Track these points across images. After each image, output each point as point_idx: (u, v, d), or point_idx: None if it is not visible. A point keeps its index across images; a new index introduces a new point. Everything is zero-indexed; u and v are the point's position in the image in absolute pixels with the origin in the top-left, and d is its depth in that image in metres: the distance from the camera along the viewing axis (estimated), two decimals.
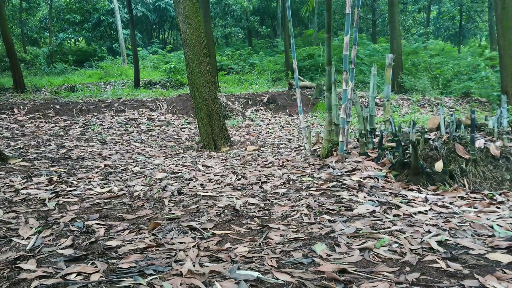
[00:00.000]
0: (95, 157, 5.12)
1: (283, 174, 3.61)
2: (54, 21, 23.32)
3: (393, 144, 3.73)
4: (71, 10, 22.30)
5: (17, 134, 7.13)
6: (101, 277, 1.64)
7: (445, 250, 1.89)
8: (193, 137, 7.06)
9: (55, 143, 6.28)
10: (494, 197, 2.88)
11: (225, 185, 3.33)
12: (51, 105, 9.19)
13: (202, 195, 3.04)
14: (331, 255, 1.86)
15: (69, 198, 3.02)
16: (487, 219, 2.37)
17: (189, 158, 4.90)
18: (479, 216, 2.43)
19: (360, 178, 3.24)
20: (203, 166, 4.22)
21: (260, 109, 10.43)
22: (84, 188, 3.33)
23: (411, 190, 3.07)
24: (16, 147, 5.82)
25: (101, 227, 2.32)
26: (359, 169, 3.48)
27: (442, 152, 3.36)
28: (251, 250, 1.95)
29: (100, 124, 8.24)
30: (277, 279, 1.62)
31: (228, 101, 10.29)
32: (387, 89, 4.20)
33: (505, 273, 1.67)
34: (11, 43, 12.46)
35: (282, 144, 6.01)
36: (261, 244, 2.02)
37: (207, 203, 2.82)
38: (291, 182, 3.32)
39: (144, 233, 2.23)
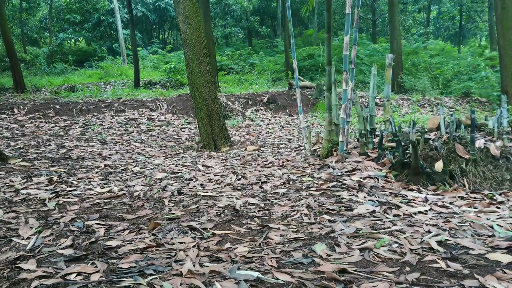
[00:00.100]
0: (95, 157, 5.12)
1: (283, 174, 3.61)
2: (54, 21, 23.32)
3: (393, 144, 3.73)
4: (71, 10, 22.30)
5: (17, 134, 7.13)
6: (101, 277, 1.64)
7: (445, 250, 1.89)
8: (193, 137, 7.06)
9: (55, 143, 6.28)
10: (494, 197, 2.88)
11: (225, 185, 3.33)
12: (51, 105, 9.19)
13: (202, 195, 3.04)
14: (331, 255, 1.86)
15: (69, 198, 3.02)
16: (487, 219, 2.37)
17: (189, 158, 4.90)
18: (479, 216, 2.43)
19: (360, 178, 3.24)
20: (203, 166, 4.22)
21: (260, 109, 10.43)
22: (84, 188, 3.33)
23: (411, 190, 3.07)
24: (16, 147, 5.82)
25: (101, 227, 2.32)
26: (359, 169, 3.48)
27: (442, 152, 3.36)
28: (251, 250, 1.95)
29: (100, 124, 8.24)
30: (277, 279, 1.62)
31: (228, 101, 10.29)
32: (387, 89, 4.20)
33: (505, 273, 1.67)
34: (11, 43, 12.46)
35: (282, 144, 6.01)
36: (261, 244, 2.02)
37: (207, 203, 2.82)
38: (291, 182, 3.32)
39: (144, 233, 2.23)
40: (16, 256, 1.86)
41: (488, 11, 21.32)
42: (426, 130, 3.95)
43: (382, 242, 1.97)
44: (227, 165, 4.24)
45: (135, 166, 4.39)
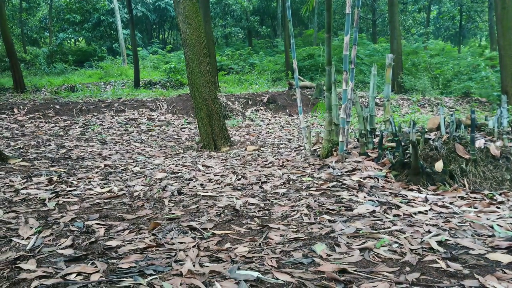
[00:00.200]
0: (95, 157, 5.12)
1: (283, 174, 3.61)
2: (54, 21, 23.32)
3: (393, 144, 3.73)
4: (71, 10, 22.30)
5: (17, 134, 7.13)
6: (101, 277, 1.64)
7: (445, 250, 1.89)
8: (193, 137, 7.06)
9: (55, 143, 6.28)
10: (494, 197, 2.88)
11: (225, 185, 3.33)
12: (51, 105, 9.19)
13: (202, 195, 3.04)
14: (331, 255, 1.86)
15: (69, 198, 3.02)
16: (487, 219, 2.37)
17: (189, 158, 4.90)
18: (479, 216, 2.43)
19: (360, 178, 3.24)
20: (203, 166, 4.22)
21: (260, 109, 10.43)
22: (84, 188, 3.33)
23: (411, 190, 3.07)
24: (16, 147, 5.82)
25: (101, 227, 2.32)
26: (359, 169, 3.48)
27: (442, 152, 3.36)
28: (251, 250, 1.95)
29: (100, 124, 8.24)
30: (277, 279, 1.62)
31: (228, 101, 10.29)
32: (387, 89, 4.20)
33: (505, 273, 1.67)
34: (11, 43, 12.46)
35: (282, 144, 6.01)
36: (261, 244, 2.02)
37: (207, 203, 2.82)
38: (291, 182, 3.32)
39: (144, 233, 2.23)
40: (16, 256, 1.86)
41: (488, 11, 21.32)
42: (426, 130, 3.95)
43: (382, 242, 1.97)
44: (227, 165, 4.24)
45: (135, 166, 4.39)
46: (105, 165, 4.44)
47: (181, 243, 2.05)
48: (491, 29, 20.04)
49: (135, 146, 6.25)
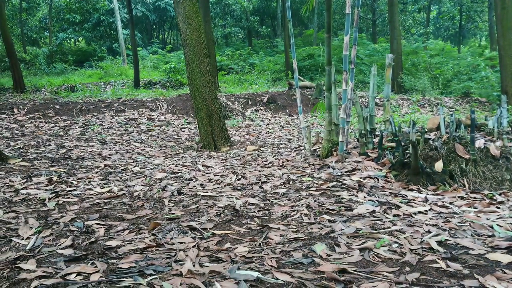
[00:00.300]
0: (95, 157, 5.12)
1: (283, 174, 3.61)
2: (54, 21, 23.31)
3: (393, 144, 3.73)
4: (71, 10, 22.30)
5: (17, 134, 7.13)
6: (101, 277, 1.64)
7: (445, 250, 1.89)
8: (193, 137, 7.06)
9: (55, 143, 6.28)
10: (494, 197, 2.88)
11: (225, 185, 3.33)
12: (51, 105, 9.19)
13: (202, 195, 3.04)
14: (331, 255, 1.86)
15: (69, 198, 3.02)
16: (487, 219, 2.37)
17: (189, 158, 4.90)
18: (479, 216, 2.43)
19: (360, 178, 3.24)
20: (203, 166, 4.22)
21: (260, 109, 10.43)
22: (84, 188, 3.33)
23: (411, 190, 3.07)
24: (16, 147, 5.82)
25: (101, 227, 2.32)
26: (359, 169, 3.48)
27: (442, 152, 3.36)
28: (251, 250, 1.95)
29: (100, 124, 8.24)
30: (277, 279, 1.62)
31: (228, 101, 10.29)
32: (387, 89, 4.20)
33: (505, 273, 1.67)
34: (11, 43, 12.46)
35: (282, 144, 6.01)
36: (261, 244, 2.02)
37: (207, 203, 2.82)
38: (291, 182, 3.32)
39: (144, 233, 2.23)
40: (16, 256, 1.86)
41: (488, 11, 21.33)
42: (426, 130, 3.95)
43: (382, 242, 1.97)
44: (227, 165, 4.24)
45: (135, 166, 4.39)
46: (105, 165, 4.44)
47: (181, 243, 2.05)
48: (491, 29, 20.04)
49: (135, 146, 6.25)
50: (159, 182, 3.53)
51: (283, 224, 2.33)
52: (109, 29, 23.58)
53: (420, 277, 1.64)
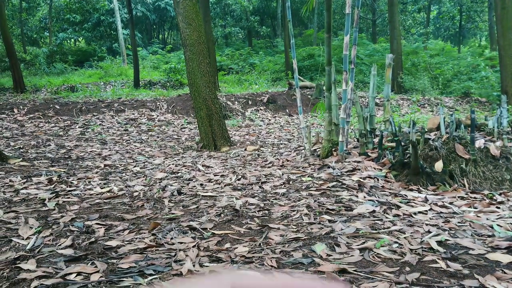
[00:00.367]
0: (95, 157, 5.12)
1: (283, 174, 3.61)
2: (54, 21, 23.31)
3: (393, 144, 3.73)
4: (71, 10, 22.29)
5: (17, 134, 7.13)
6: (101, 277, 1.64)
7: (445, 250, 1.89)
8: (193, 137, 7.06)
9: (55, 143, 6.27)
10: (494, 197, 2.88)
11: (225, 185, 3.33)
12: (51, 105, 9.19)
13: (202, 195, 3.04)
14: (331, 255, 1.86)
15: (69, 198, 3.02)
16: (487, 219, 2.37)
17: (189, 158, 4.90)
18: (479, 216, 2.43)
19: (360, 178, 3.24)
20: (203, 166, 4.22)
21: (260, 109, 10.43)
22: (84, 188, 3.33)
23: (411, 190, 3.07)
24: (16, 147, 5.82)
25: (101, 227, 2.32)
26: (359, 169, 3.48)
27: (442, 152, 3.36)
28: (251, 250, 1.95)
29: (100, 124, 8.24)
30: None
31: (228, 101, 10.29)
32: (387, 89, 4.20)
33: (505, 273, 1.67)
34: (11, 43, 12.45)
35: (282, 144, 6.01)
36: (261, 244, 2.02)
37: (207, 203, 2.82)
38: (291, 182, 3.32)
39: (144, 233, 2.22)
40: (16, 256, 1.86)
41: (488, 11, 21.32)
42: (426, 130, 3.95)
43: (382, 242, 1.97)
44: (227, 165, 4.24)
45: (135, 166, 4.39)
46: (105, 165, 4.44)
47: (181, 243, 2.05)
48: (491, 29, 20.04)
49: (135, 146, 6.25)
50: (159, 182, 3.53)
51: (283, 224, 2.32)
52: (109, 29, 23.58)
53: (420, 277, 1.64)
